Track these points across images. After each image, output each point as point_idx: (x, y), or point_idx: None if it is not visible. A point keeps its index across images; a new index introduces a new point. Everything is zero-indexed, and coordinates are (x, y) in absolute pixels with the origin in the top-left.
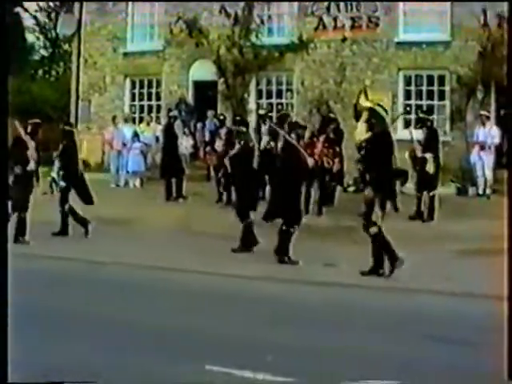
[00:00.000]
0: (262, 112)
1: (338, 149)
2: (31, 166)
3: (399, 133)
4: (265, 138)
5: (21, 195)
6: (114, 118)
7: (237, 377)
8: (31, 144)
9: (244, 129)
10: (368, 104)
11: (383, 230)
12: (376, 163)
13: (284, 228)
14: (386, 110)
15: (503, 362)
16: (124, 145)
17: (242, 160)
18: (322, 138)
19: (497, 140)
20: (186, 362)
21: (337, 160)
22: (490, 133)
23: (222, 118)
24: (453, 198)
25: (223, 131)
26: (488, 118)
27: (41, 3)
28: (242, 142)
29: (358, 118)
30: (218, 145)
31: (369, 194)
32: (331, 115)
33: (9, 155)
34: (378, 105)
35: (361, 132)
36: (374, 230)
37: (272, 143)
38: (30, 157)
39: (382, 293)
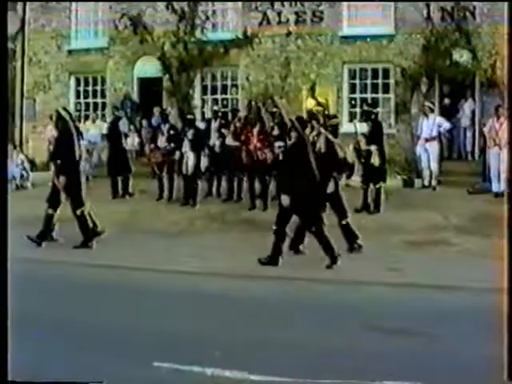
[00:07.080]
0: (215, 108)
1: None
2: None
3: (344, 126)
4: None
5: None
6: (51, 117)
7: (186, 372)
8: None
9: None
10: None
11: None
12: None
13: None
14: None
15: (447, 351)
16: None
17: None
18: (255, 132)
19: (447, 125)
20: (134, 360)
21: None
22: (436, 123)
23: (166, 113)
24: (399, 190)
25: (166, 127)
26: (432, 109)
27: None
28: None
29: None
30: (161, 140)
31: None
32: (275, 109)
33: None
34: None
35: None
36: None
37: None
38: None
39: (328, 285)
